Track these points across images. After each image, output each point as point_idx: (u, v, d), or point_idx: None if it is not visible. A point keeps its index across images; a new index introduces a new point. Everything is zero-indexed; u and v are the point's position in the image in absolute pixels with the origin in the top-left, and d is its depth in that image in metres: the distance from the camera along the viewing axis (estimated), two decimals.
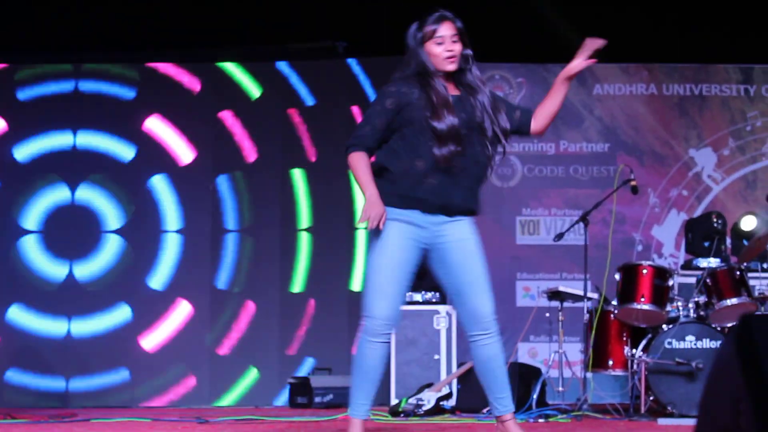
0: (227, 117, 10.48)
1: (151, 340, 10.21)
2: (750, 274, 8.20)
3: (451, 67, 4.65)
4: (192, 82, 10.52)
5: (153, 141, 10.42)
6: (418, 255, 4.67)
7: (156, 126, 10.44)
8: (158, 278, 10.29)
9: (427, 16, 4.73)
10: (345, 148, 4.70)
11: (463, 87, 4.73)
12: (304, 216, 10.38)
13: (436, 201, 4.65)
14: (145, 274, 10.27)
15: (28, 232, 10.24)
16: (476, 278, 4.70)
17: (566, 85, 4.83)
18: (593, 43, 4.75)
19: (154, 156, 10.41)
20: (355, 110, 10.40)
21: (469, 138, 4.64)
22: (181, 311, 10.24)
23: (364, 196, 4.61)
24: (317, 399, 9.40)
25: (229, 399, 10.14)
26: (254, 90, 10.54)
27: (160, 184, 10.40)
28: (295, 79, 10.54)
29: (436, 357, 9.28)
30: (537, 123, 4.87)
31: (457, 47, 4.67)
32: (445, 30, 4.66)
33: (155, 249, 10.33)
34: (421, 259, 4.72)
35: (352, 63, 10.51)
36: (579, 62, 4.76)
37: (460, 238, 4.70)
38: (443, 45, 4.64)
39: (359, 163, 4.61)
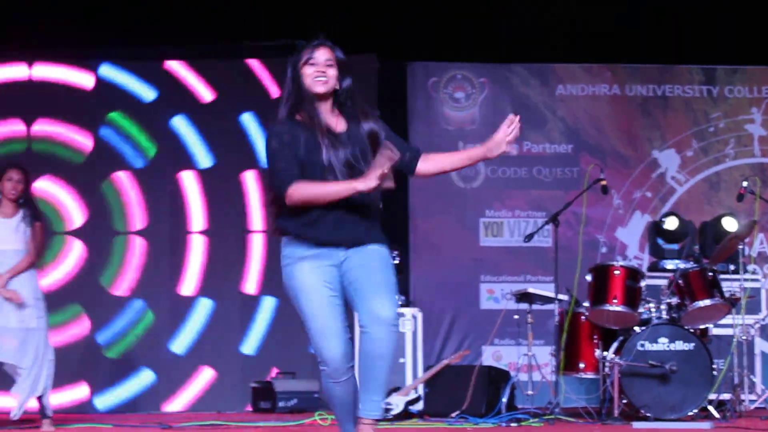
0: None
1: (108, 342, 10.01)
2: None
3: (321, 88, 4.51)
4: (148, 84, 10.32)
5: (111, 140, 10.19)
6: (336, 279, 4.50)
7: (113, 126, 10.23)
8: (116, 281, 10.08)
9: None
10: (274, 197, 4.48)
11: (348, 120, 4.58)
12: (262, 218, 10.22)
13: (331, 238, 4.48)
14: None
15: None
16: (377, 286, 4.47)
17: (479, 160, 4.67)
18: (511, 123, 4.49)
19: (110, 155, 10.17)
20: None
21: (358, 172, 4.49)
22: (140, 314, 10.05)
23: (348, 192, 4.37)
24: (281, 404, 9.20)
25: (187, 401, 9.90)
26: (209, 91, 10.35)
27: (118, 184, 10.17)
28: (254, 79, 10.36)
29: (402, 360, 9.13)
30: (425, 167, 4.68)
31: (331, 71, 4.54)
32: (320, 55, 4.54)
33: (112, 251, 10.10)
34: (340, 280, 4.54)
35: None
36: (499, 147, 4.48)
37: (361, 263, 4.49)
38: (315, 66, 4.53)
39: (303, 188, 4.41)
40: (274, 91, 10.26)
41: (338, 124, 4.57)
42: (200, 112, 10.31)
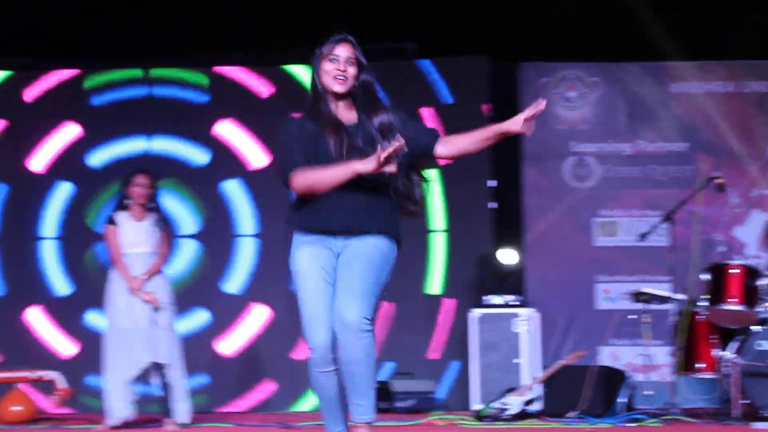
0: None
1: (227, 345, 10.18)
2: None
3: (339, 87, 4.51)
4: (262, 86, 10.47)
5: (226, 145, 10.39)
6: (334, 267, 4.51)
7: (228, 130, 10.41)
8: (234, 283, 10.27)
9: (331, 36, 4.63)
10: (283, 182, 4.49)
11: (360, 114, 4.56)
12: None
13: (323, 227, 4.50)
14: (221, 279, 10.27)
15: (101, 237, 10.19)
16: (349, 289, 4.44)
17: (495, 140, 4.51)
18: (535, 109, 4.39)
19: (227, 160, 10.36)
20: (424, 112, 10.25)
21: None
22: (259, 316, 10.21)
23: (347, 173, 4.37)
24: (398, 404, 9.28)
25: (307, 403, 10.03)
26: None
27: (233, 188, 10.35)
28: None
29: (516, 361, 9.16)
30: (445, 149, 4.58)
31: (351, 70, 4.53)
32: (342, 51, 4.54)
33: (231, 253, 10.29)
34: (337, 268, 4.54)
35: (423, 64, 10.33)
36: (518, 125, 4.36)
37: (347, 260, 4.48)
38: (336, 64, 4.52)
39: (304, 173, 4.42)
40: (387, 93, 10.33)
41: (350, 118, 4.57)
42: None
